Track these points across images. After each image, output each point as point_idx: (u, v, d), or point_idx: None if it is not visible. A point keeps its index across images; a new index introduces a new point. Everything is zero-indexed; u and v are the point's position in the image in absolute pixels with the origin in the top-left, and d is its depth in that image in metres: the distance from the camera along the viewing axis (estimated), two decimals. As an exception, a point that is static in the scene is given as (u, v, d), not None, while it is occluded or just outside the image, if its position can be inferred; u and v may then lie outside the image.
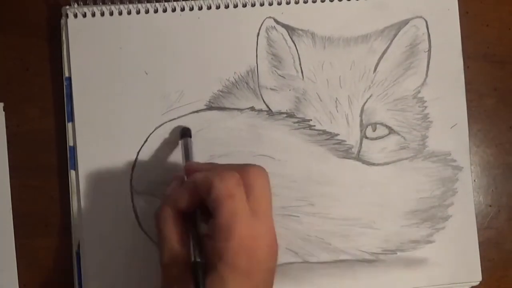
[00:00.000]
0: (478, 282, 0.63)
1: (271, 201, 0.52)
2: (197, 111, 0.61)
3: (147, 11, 0.61)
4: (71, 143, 0.61)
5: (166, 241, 0.51)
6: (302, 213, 0.61)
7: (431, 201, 0.62)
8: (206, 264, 0.49)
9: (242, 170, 0.51)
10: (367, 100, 0.62)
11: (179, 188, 0.53)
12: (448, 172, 0.62)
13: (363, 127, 0.62)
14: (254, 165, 0.52)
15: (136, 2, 0.62)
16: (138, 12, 0.61)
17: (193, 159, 0.58)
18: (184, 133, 0.60)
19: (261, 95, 0.62)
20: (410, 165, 0.62)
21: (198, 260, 0.50)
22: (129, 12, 0.61)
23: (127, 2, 0.61)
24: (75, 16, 0.61)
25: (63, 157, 0.61)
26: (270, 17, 0.62)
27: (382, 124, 0.62)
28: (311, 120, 0.62)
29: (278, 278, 0.60)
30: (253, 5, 0.62)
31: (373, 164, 0.62)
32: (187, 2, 0.62)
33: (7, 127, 0.62)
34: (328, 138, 0.62)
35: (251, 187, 0.50)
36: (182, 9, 0.62)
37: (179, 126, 0.61)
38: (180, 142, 0.60)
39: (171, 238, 0.51)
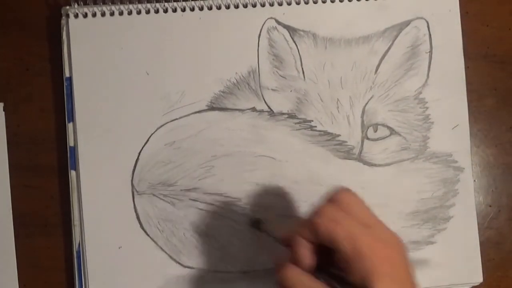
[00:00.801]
0: (479, 283, 0.63)
1: (371, 209, 0.51)
2: (198, 112, 0.61)
3: (148, 11, 0.61)
4: (71, 143, 0.61)
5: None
6: (303, 213, 0.61)
7: (432, 202, 0.62)
8: None
9: (330, 199, 0.51)
10: (368, 101, 0.62)
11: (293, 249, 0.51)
12: (449, 173, 0.63)
13: (364, 128, 0.62)
14: (340, 189, 0.51)
15: (137, 2, 0.61)
16: (139, 12, 0.61)
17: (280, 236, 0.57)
18: (258, 224, 0.60)
19: (262, 95, 0.62)
20: (411, 166, 0.62)
21: None
22: (129, 12, 0.61)
23: (128, 2, 0.61)
24: (76, 16, 0.61)
25: (63, 157, 0.61)
26: (271, 18, 0.62)
27: (383, 125, 0.62)
28: (312, 121, 0.62)
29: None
30: (254, 5, 0.62)
31: (374, 165, 0.62)
32: (188, 2, 0.62)
33: (7, 127, 0.62)
34: (329, 139, 0.62)
35: (348, 206, 0.50)
36: (183, 10, 0.62)
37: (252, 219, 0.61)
38: (262, 230, 0.60)
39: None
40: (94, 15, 0.61)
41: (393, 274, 0.47)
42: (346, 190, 0.51)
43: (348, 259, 0.47)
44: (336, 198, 0.50)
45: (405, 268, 0.49)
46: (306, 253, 0.50)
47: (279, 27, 0.62)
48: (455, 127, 0.63)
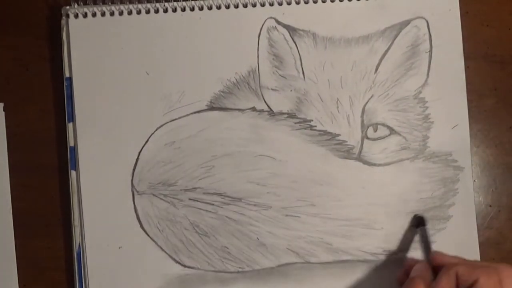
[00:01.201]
0: (479, 283, 0.63)
1: None
2: (198, 112, 0.61)
3: (148, 11, 0.61)
4: (71, 143, 0.61)
5: None
6: (303, 213, 0.61)
7: (432, 201, 0.62)
8: None
9: (498, 269, 0.52)
10: (368, 101, 0.62)
11: (433, 269, 0.54)
12: (449, 172, 0.63)
13: (364, 127, 0.62)
14: (504, 266, 0.53)
15: (137, 2, 0.61)
16: (139, 12, 0.61)
17: (431, 248, 0.59)
18: (420, 222, 0.61)
19: (262, 95, 0.62)
20: (411, 166, 0.62)
21: None
22: (129, 12, 0.61)
23: (128, 2, 0.61)
24: (76, 16, 0.61)
25: (63, 157, 0.61)
26: (271, 18, 0.62)
27: (383, 124, 0.62)
28: (312, 120, 0.62)
29: (279, 278, 0.61)
30: (254, 5, 0.62)
31: (374, 165, 0.62)
32: (188, 2, 0.62)
33: (7, 127, 0.62)
34: (329, 139, 0.62)
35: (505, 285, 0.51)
36: (183, 10, 0.62)
37: (414, 216, 0.62)
38: (418, 231, 0.61)
39: None
40: (94, 15, 0.61)
41: None
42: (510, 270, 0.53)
43: None
44: (502, 272, 0.52)
45: None
46: (445, 283, 0.52)
47: (279, 27, 0.62)
48: (455, 126, 0.63)
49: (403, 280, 0.56)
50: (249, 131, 0.61)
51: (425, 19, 0.63)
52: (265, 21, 0.62)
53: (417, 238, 0.61)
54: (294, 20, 0.62)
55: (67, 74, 0.61)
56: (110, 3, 0.61)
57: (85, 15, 0.61)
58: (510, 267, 0.53)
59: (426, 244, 0.59)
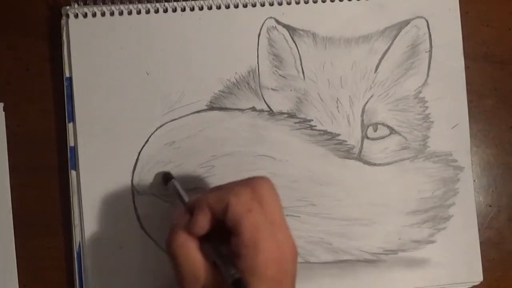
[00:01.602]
0: (479, 282, 0.63)
1: (282, 209, 0.52)
2: (198, 112, 0.61)
3: (147, 11, 0.61)
4: (71, 143, 0.61)
5: (186, 267, 0.51)
6: (303, 213, 0.61)
7: (432, 201, 0.62)
8: None
9: (249, 183, 0.52)
10: (368, 100, 0.62)
11: (192, 212, 0.52)
12: (449, 172, 0.63)
13: (364, 127, 0.62)
14: (259, 177, 0.52)
15: (137, 2, 0.61)
16: (138, 12, 0.61)
17: (185, 198, 0.57)
18: (168, 177, 0.60)
19: (262, 95, 0.62)
20: (411, 165, 0.62)
21: (238, 276, 0.49)
22: (129, 12, 0.61)
23: (128, 2, 0.61)
24: (76, 16, 0.61)
25: (63, 157, 0.61)
26: (271, 18, 0.62)
27: (383, 124, 0.62)
28: (312, 120, 0.62)
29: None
30: (254, 5, 0.62)
31: (374, 164, 0.62)
32: (188, 2, 0.62)
33: (7, 127, 0.62)
34: (329, 138, 0.62)
35: (263, 199, 0.51)
36: (183, 10, 0.62)
37: (159, 173, 0.61)
38: (169, 186, 0.59)
39: (193, 263, 0.51)
40: (94, 15, 0.61)
41: (276, 278, 0.49)
42: (265, 181, 0.52)
43: (243, 247, 0.49)
44: (253, 186, 0.51)
45: (289, 275, 0.51)
46: (204, 222, 0.51)
47: (279, 27, 0.62)
48: (455, 126, 0.63)
49: None
50: (249, 131, 0.61)
51: (425, 19, 0.63)
52: (265, 21, 0.62)
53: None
54: (294, 20, 0.62)
55: (67, 74, 0.61)
56: (110, 3, 0.61)
57: (85, 15, 0.61)
58: (263, 177, 0.52)
59: (180, 197, 0.57)
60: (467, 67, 0.64)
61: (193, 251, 0.51)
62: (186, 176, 0.61)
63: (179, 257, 0.51)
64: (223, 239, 0.51)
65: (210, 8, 0.62)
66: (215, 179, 0.61)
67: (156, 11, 0.62)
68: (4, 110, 0.62)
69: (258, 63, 0.62)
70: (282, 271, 0.49)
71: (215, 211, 0.50)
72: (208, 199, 0.51)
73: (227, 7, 0.62)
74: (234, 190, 0.50)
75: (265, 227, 0.49)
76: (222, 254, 0.51)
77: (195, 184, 0.61)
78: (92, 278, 0.60)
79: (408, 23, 0.63)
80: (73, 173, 0.61)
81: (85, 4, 0.61)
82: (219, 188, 0.53)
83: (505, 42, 0.66)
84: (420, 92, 0.63)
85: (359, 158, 0.62)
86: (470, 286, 0.63)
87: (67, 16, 0.61)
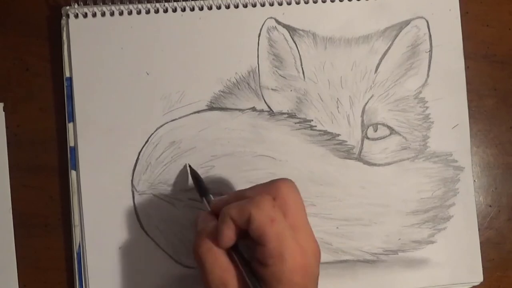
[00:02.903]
0: (479, 282, 0.63)
1: (305, 210, 0.53)
2: (198, 112, 0.61)
3: (148, 11, 0.61)
4: (71, 144, 0.61)
5: (215, 273, 0.51)
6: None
7: (433, 201, 0.62)
8: None
9: (271, 188, 0.52)
10: (368, 101, 0.62)
11: (217, 225, 0.52)
12: (449, 172, 0.63)
13: (364, 127, 0.62)
14: (281, 180, 0.53)
15: (137, 2, 0.61)
16: (139, 12, 0.61)
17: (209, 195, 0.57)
18: (200, 185, 0.59)
19: (262, 95, 0.62)
20: (412, 166, 0.62)
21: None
22: (129, 12, 0.61)
23: (128, 2, 0.61)
24: (76, 16, 0.61)
25: (63, 157, 0.61)
26: (271, 18, 0.62)
27: (383, 124, 0.62)
28: (312, 120, 0.62)
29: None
30: (254, 5, 0.62)
31: (375, 165, 0.62)
32: (188, 2, 0.62)
33: (7, 127, 0.62)
34: (329, 139, 0.62)
35: (285, 203, 0.51)
36: (183, 10, 0.62)
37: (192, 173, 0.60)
38: (189, 177, 0.60)
39: (221, 269, 0.51)
40: (94, 15, 0.61)
41: (301, 283, 0.49)
42: (286, 185, 0.52)
43: (269, 257, 0.49)
44: (275, 192, 0.51)
45: (313, 278, 0.52)
46: (231, 234, 0.51)
47: (279, 27, 0.62)
48: (455, 126, 0.63)
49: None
50: (249, 131, 0.61)
51: (425, 19, 0.63)
52: (265, 21, 0.62)
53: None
54: (294, 20, 0.62)
55: (67, 74, 0.61)
56: (110, 3, 0.61)
57: (85, 15, 0.61)
58: (284, 180, 0.52)
59: (205, 199, 0.57)
60: (467, 67, 0.64)
61: (221, 257, 0.51)
62: (186, 176, 0.61)
63: (207, 262, 0.51)
64: (248, 243, 0.51)
65: (210, 8, 0.62)
66: (215, 179, 0.61)
67: (156, 11, 0.62)
68: (4, 110, 0.62)
69: (258, 63, 0.62)
70: (306, 276, 0.50)
71: (237, 223, 0.50)
72: (231, 213, 0.50)
73: (227, 7, 0.62)
74: (255, 201, 0.50)
75: (289, 234, 0.49)
76: (248, 263, 0.51)
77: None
78: (92, 278, 0.60)
79: (408, 23, 0.63)
80: (73, 173, 0.61)
81: (85, 4, 0.61)
82: (241, 195, 0.53)
83: (505, 42, 0.66)
84: (420, 92, 0.63)
85: (359, 158, 0.62)
86: (470, 286, 0.63)
87: (67, 16, 0.61)
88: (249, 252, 0.52)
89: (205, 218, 0.54)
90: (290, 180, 0.53)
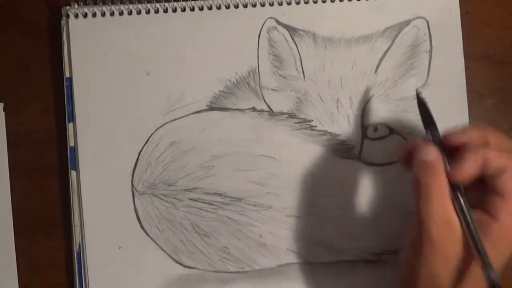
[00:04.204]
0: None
1: None
2: (198, 112, 0.61)
3: (148, 11, 0.61)
4: (71, 144, 0.61)
5: (438, 207, 0.48)
6: (304, 213, 0.61)
7: (433, 201, 0.62)
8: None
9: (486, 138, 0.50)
10: (368, 101, 0.62)
11: (442, 158, 0.50)
12: (449, 172, 0.63)
13: (364, 127, 0.62)
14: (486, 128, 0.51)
15: (137, 2, 0.61)
16: (139, 12, 0.61)
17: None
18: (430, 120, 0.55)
19: (262, 95, 0.62)
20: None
21: (498, 283, 0.47)
22: (130, 12, 0.61)
23: (128, 2, 0.61)
24: (76, 16, 0.61)
25: (63, 157, 0.61)
26: (271, 18, 0.62)
27: (383, 124, 0.62)
28: (312, 120, 0.62)
29: (280, 278, 0.60)
30: (254, 5, 0.62)
31: (375, 165, 0.62)
32: (188, 2, 0.62)
33: (7, 127, 0.62)
34: (329, 139, 0.62)
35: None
36: (183, 10, 0.62)
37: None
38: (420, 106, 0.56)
39: (445, 205, 0.48)
40: (94, 15, 0.61)
41: None
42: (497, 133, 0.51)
43: (508, 213, 0.47)
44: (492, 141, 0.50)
45: None
46: (471, 172, 0.48)
47: (279, 27, 0.62)
48: (455, 127, 0.63)
49: (406, 160, 0.52)
50: (249, 131, 0.61)
51: (425, 19, 0.63)
52: (265, 21, 0.62)
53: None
54: (294, 20, 0.62)
55: (67, 74, 0.61)
56: (110, 3, 0.61)
57: (85, 15, 0.61)
58: None
59: (430, 121, 0.54)
60: (467, 67, 0.64)
61: (447, 194, 0.49)
62: (186, 176, 0.61)
63: (434, 194, 0.49)
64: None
65: (210, 8, 0.62)
66: (215, 179, 0.61)
67: (156, 11, 0.62)
68: (4, 110, 0.62)
69: (258, 63, 0.62)
70: None
71: (489, 168, 0.48)
72: (487, 154, 0.48)
73: (227, 7, 0.62)
74: (486, 143, 0.49)
75: None
76: (478, 235, 0.48)
77: (195, 184, 0.61)
78: (92, 278, 0.60)
79: (409, 23, 0.63)
80: (73, 173, 0.61)
81: (85, 4, 0.61)
82: (500, 144, 0.50)
83: (505, 42, 0.66)
84: (420, 92, 0.63)
85: (359, 158, 0.62)
86: (470, 286, 0.63)
87: (67, 16, 0.61)
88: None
89: (437, 151, 0.50)
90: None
